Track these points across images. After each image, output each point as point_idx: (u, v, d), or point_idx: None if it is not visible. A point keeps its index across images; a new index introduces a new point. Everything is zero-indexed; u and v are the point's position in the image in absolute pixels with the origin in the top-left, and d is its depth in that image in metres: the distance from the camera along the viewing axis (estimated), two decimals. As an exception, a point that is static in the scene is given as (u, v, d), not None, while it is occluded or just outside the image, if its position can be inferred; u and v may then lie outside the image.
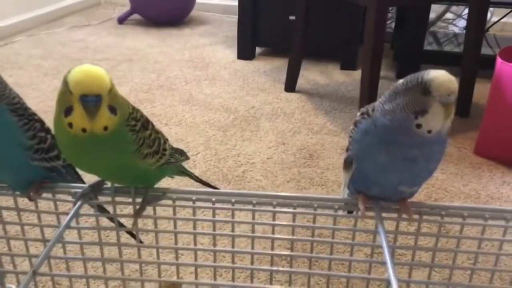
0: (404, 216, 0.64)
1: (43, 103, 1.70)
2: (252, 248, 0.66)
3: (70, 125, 0.53)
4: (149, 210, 0.66)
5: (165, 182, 0.71)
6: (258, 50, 2.26)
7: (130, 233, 0.76)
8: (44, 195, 0.66)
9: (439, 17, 2.40)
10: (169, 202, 0.65)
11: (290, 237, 0.64)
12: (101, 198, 0.67)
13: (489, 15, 2.26)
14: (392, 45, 2.21)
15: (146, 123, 0.61)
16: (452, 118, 0.57)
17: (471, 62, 1.62)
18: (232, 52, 2.25)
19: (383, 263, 0.58)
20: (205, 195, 0.64)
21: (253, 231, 0.65)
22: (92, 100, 0.52)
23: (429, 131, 0.55)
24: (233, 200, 0.63)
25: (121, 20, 2.69)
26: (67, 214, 0.63)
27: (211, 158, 1.39)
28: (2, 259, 0.72)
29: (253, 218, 0.65)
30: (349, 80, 2.00)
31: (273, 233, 0.65)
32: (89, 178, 0.67)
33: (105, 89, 0.53)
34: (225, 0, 2.93)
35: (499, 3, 2.10)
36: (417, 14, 1.91)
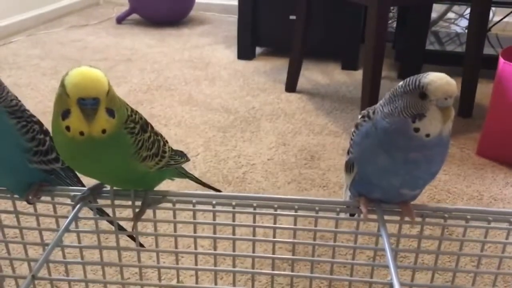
0: (407, 219, 0.63)
1: (41, 104, 1.69)
2: (253, 251, 0.65)
3: (68, 128, 0.52)
4: (148, 213, 0.65)
5: (165, 185, 0.70)
6: (258, 50, 2.25)
7: (130, 236, 0.75)
8: (43, 198, 0.65)
9: (441, 16, 2.39)
10: (169, 205, 0.64)
11: (292, 240, 0.63)
12: (101, 201, 0.66)
13: (491, 14, 2.25)
14: (394, 44, 2.20)
15: (145, 125, 0.60)
16: (453, 120, 0.56)
17: (473, 62, 1.61)
18: (232, 52, 2.23)
19: (386, 266, 0.57)
20: (205, 198, 0.63)
21: (254, 234, 0.64)
22: (89, 103, 0.51)
23: (428, 135, 0.55)
24: (233, 203, 0.62)
25: (120, 20, 2.68)
26: (66, 217, 0.62)
27: (211, 159, 1.38)
28: (0, 262, 0.71)
29: (254, 221, 0.64)
30: (350, 80, 1.98)
31: (274, 236, 0.64)
32: (88, 181, 0.66)
33: (103, 92, 0.52)
34: (225, 0, 2.92)
35: (501, 2, 2.09)
36: (419, 13, 1.90)
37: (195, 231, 0.65)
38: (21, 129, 0.60)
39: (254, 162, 1.37)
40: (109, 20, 2.76)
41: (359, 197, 0.64)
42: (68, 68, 0.54)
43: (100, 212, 0.71)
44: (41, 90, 1.82)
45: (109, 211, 0.69)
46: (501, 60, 1.34)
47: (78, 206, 0.62)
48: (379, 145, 0.57)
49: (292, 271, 0.65)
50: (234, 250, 0.64)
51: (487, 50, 1.89)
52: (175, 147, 0.72)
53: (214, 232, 0.64)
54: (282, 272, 0.64)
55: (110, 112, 0.53)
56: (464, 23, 2.42)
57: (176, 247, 0.66)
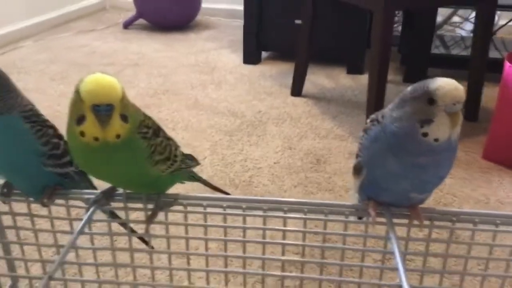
0: (415, 222, 0.63)
1: (50, 108, 1.70)
2: (263, 253, 0.65)
3: (82, 133, 0.54)
4: (160, 216, 0.66)
5: (175, 188, 0.71)
6: (263, 54, 2.26)
7: (141, 238, 0.76)
8: (57, 201, 0.67)
9: (446, 20, 2.40)
10: (180, 208, 0.64)
11: (301, 243, 0.64)
12: (113, 205, 0.67)
13: (496, 18, 2.25)
14: (399, 48, 2.20)
15: (157, 130, 0.61)
16: (461, 125, 0.56)
17: (479, 65, 1.61)
18: (238, 57, 2.25)
19: (395, 269, 0.57)
20: (216, 201, 0.64)
21: (264, 236, 0.65)
22: (104, 109, 0.52)
23: (436, 140, 0.55)
24: (243, 206, 0.63)
25: (127, 25, 2.70)
26: (79, 220, 0.63)
27: (218, 162, 1.39)
28: (15, 263, 0.73)
29: (264, 223, 0.64)
30: (355, 84, 1.99)
31: (283, 238, 0.65)
32: (101, 184, 0.67)
33: (117, 98, 0.53)
34: (230, 5, 2.94)
35: (507, 6, 2.09)
36: (424, 17, 1.91)
37: (206, 234, 0.66)
38: (36, 133, 0.62)
39: (261, 165, 1.38)
40: (116, 25, 2.78)
41: (367, 201, 0.65)
42: (76, 73, 0.55)
43: (112, 215, 0.72)
44: (49, 94, 1.84)
45: (121, 214, 0.70)
46: (507, 63, 1.35)
47: (92, 209, 0.63)
48: (388, 149, 0.58)
49: (302, 273, 0.66)
50: (244, 252, 0.65)
51: (493, 54, 1.90)
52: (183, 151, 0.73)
53: (225, 235, 0.65)
54: (291, 274, 0.64)
55: (124, 118, 0.55)
56: (469, 26, 2.42)
57: (187, 249, 0.66)
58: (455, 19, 2.48)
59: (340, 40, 2.06)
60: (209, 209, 0.64)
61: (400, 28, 2.23)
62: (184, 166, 0.68)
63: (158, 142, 0.60)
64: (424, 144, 0.56)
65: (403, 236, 0.66)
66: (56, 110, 1.68)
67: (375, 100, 1.44)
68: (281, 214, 0.63)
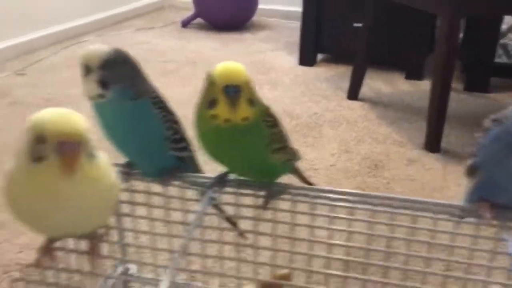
0: None
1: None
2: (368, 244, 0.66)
3: (214, 116, 0.59)
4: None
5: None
6: (319, 56, 2.26)
7: (233, 224, 0.78)
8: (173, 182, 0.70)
9: (510, 29, 2.31)
10: (288, 197, 0.67)
11: (408, 237, 0.65)
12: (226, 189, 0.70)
13: None
14: (460, 56, 2.15)
15: (277, 121, 0.66)
16: None
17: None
18: (293, 58, 2.25)
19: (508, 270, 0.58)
20: (323, 193, 0.66)
21: (372, 229, 0.66)
22: (233, 90, 0.58)
23: None
24: (351, 199, 0.66)
25: (185, 24, 2.76)
26: (195, 200, 0.68)
27: (275, 162, 1.40)
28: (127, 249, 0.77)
29: (373, 218, 0.66)
30: (414, 90, 1.95)
31: (392, 232, 0.65)
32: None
33: (244, 80, 0.59)
34: (287, 6, 2.95)
35: None
36: (488, 24, 1.85)
37: (313, 223, 0.67)
38: (163, 118, 0.66)
39: (317, 167, 1.38)
40: (173, 24, 2.84)
41: (481, 202, 0.64)
42: (213, 67, 0.61)
43: (217, 208, 0.75)
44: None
45: (232, 200, 0.72)
46: None
47: (209, 191, 0.67)
48: (510, 150, 0.58)
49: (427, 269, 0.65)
50: (348, 242, 0.66)
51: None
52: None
53: (331, 225, 0.67)
54: (416, 268, 0.64)
55: (250, 102, 0.60)
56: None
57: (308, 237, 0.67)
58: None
59: (399, 45, 2.03)
60: (317, 200, 0.66)
61: (461, 34, 2.17)
62: (293, 158, 0.72)
63: (277, 131, 0.65)
64: None
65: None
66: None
67: (438, 108, 1.41)
68: (389, 209, 0.64)
